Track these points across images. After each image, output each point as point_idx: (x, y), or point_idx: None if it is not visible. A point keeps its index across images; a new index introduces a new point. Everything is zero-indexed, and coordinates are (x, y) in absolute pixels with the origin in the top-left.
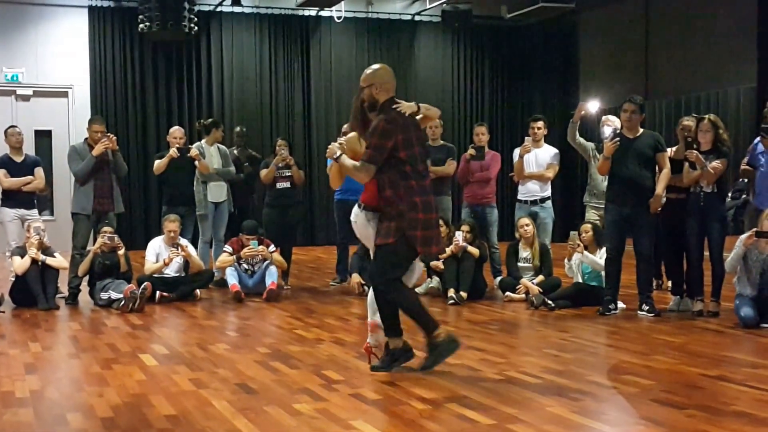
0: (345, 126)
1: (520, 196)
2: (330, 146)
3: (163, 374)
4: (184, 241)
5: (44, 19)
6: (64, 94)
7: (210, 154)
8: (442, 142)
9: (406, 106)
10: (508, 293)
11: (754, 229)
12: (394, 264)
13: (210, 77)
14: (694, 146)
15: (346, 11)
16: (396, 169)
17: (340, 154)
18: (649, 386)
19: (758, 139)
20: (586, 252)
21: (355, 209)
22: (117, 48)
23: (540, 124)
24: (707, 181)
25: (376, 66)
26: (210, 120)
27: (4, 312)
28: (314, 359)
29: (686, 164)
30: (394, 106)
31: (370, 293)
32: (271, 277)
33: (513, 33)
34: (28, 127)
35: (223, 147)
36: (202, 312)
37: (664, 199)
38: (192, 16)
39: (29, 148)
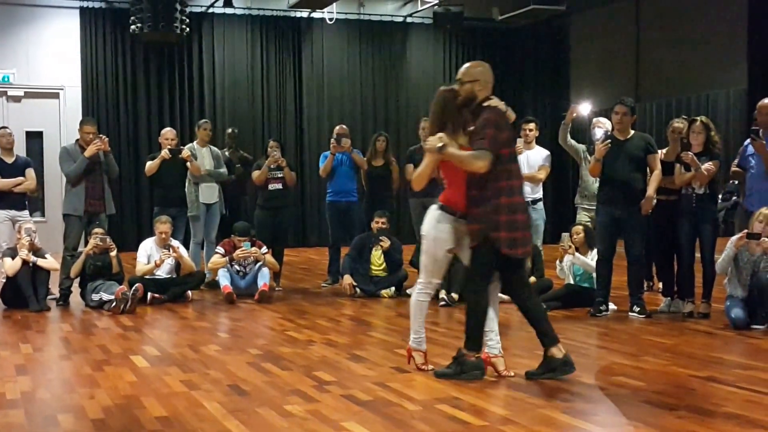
0: (337, 127)
1: None
2: (429, 139)
3: (154, 376)
4: (175, 243)
5: (35, 20)
6: (56, 95)
7: (202, 155)
8: None
9: (499, 103)
10: (499, 295)
11: (745, 231)
12: (478, 267)
13: (202, 78)
14: (683, 148)
15: (338, 13)
16: (490, 169)
17: (444, 145)
18: (640, 387)
19: (748, 141)
20: (577, 254)
21: (432, 206)
22: (108, 49)
23: (532, 125)
24: (700, 183)
25: (478, 63)
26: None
27: None
28: (306, 360)
29: (677, 166)
30: (488, 103)
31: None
32: (263, 279)
33: (504, 35)
34: (19, 128)
35: (215, 148)
36: (193, 313)
37: (655, 200)
38: (184, 18)
39: (20, 149)
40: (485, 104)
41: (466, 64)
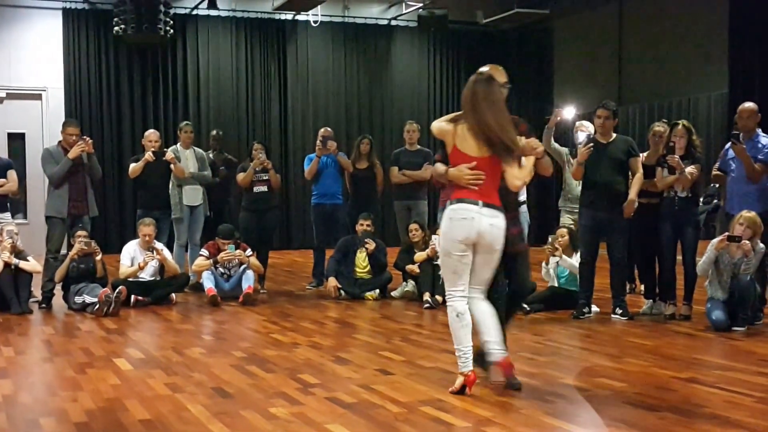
0: (322, 130)
1: None
2: (532, 142)
3: (138, 378)
4: (159, 245)
5: (18, 21)
6: (38, 97)
7: (186, 157)
8: (418, 146)
9: None
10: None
11: (726, 234)
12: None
13: (186, 80)
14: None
15: (322, 15)
16: None
17: None
18: (622, 389)
19: (729, 144)
20: (564, 256)
21: (496, 213)
22: (92, 51)
23: None
24: (683, 186)
25: None
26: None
27: None
28: (290, 363)
29: (659, 169)
30: None
31: (488, 309)
32: (248, 281)
33: (488, 38)
34: (0, 129)
35: (199, 150)
36: (177, 316)
37: (637, 203)
38: (168, 19)
39: (2, 151)
40: None
41: (495, 66)
